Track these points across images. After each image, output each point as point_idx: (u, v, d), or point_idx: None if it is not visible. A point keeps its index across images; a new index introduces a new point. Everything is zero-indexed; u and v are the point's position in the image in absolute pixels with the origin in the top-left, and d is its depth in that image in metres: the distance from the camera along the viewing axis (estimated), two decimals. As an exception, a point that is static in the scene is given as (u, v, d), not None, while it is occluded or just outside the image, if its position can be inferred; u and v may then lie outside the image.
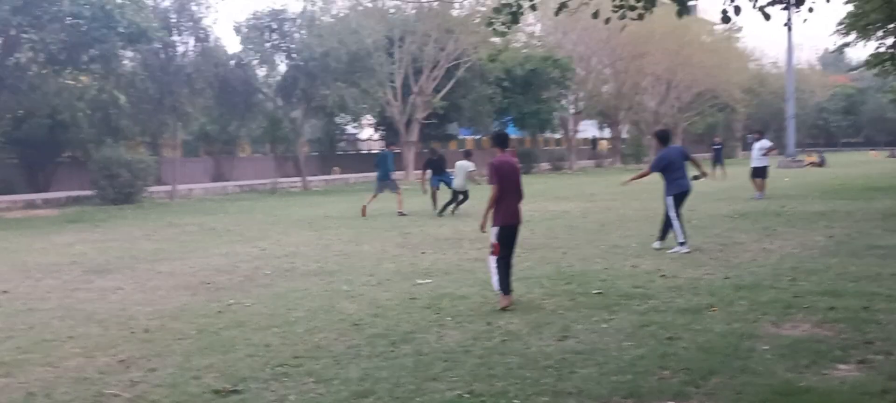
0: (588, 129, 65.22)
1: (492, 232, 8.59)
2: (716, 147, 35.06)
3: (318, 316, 8.26)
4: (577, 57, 51.36)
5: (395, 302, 8.95)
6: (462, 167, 19.45)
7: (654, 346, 6.72)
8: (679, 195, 12.58)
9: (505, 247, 8.61)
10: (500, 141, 8.92)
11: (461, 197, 19.49)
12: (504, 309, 8.28)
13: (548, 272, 10.66)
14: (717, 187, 26.25)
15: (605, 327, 7.45)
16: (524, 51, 47.62)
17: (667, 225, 12.72)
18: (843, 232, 14.15)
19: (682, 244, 12.21)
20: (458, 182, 19.52)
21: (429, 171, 21.07)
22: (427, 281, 10.27)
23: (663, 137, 13.41)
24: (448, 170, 20.95)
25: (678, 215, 12.43)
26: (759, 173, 21.96)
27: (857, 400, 5.30)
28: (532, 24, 50.43)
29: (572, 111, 54.12)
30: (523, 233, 14.98)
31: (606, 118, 59.14)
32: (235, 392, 5.83)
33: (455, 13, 41.01)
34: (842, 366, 6.02)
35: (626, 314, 7.95)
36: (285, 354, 6.82)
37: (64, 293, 10.04)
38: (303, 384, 5.98)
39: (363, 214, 19.79)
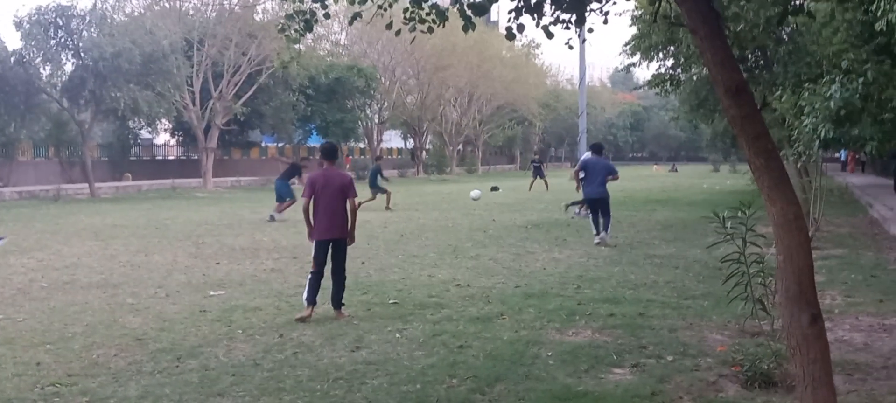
0: (392, 139, 65.90)
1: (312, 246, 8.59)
2: (535, 163, 36.68)
3: (97, 331, 7.80)
4: (383, 67, 51.82)
5: (183, 315, 8.60)
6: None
7: (445, 355, 6.83)
8: None
9: (320, 263, 8.51)
10: (327, 153, 8.96)
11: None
12: (301, 320, 8.15)
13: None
14: (527, 198, 27.29)
15: (398, 337, 7.50)
16: (329, 59, 47.43)
17: None
18: (625, 241, 15.03)
19: None
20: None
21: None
22: (219, 292, 9.96)
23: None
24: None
25: None
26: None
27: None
28: (337, 32, 50.43)
29: (377, 121, 54.49)
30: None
31: (410, 128, 59.98)
32: (-2, 415, 5.39)
33: (257, 18, 40.20)
34: (617, 370, 6.37)
35: (420, 323, 8.04)
36: (58, 372, 6.38)
37: None
38: (76, 404, 5.62)
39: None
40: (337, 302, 8.53)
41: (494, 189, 34.46)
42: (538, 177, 34.80)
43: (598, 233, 14.61)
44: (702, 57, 4.47)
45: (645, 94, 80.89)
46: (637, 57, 22.45)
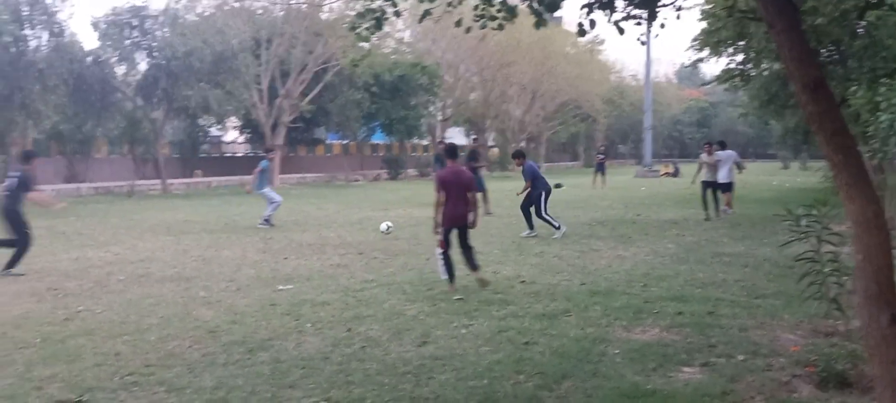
0: (455, 136, 65.97)
1: (440, 232, 9.69)
2: (600, 155, 36.42)
3: (172, 324, 8.00)
4: (446, 64, 51.89)
5: (254, 308, 8.77)
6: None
7: (511, 351, 6.84)
8: None
9: (448, 244, 9.75)
10: (450, 153, 10.20)
11: None
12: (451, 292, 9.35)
13: (410, 278, 10.70)
14: (591, 195, 27.15)
15: (464, 332, 7.53)
16: (393, 57, 47.70)
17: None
18: (692, 239, 14.82)
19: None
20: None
21: None
22: (288, 286, 10.12)
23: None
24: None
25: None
26: (728, 187, 19.93)
27: (699, 402, 5.55)
28: (401, 30, 50.64)
29: (440, 118, 54.61)
30: (386, 240, 15.09)
31: (473, 125, 59.95)
32: (80, 402, 5.57)
33: (324, 16, 40.62)
34: (686, 369, 6.29)
35: (485, 319, 8.06)
36: (136, 363, 6.57)
37: None
38: (154, 393, 5.78)
39: None
40: (473, 266, 9.84)
41: (558, 186, 34.22)
42: (600, 173, 34.50)
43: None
44: (778, 52, 4.40)
45: (712, 90, 79.82)
46: (706, 52, 22.03)
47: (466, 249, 9.88)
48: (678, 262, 11.95)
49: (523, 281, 10.33)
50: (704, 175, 19.37)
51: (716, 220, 18.23)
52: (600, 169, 34.83)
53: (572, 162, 78.96)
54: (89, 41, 44.94)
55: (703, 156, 19.65)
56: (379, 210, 22.28)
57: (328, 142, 52.79)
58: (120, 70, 33.38)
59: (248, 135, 48.51)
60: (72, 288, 10.19)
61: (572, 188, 33.20)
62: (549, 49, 54.96)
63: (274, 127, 39.70)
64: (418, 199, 26.25)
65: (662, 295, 9.24)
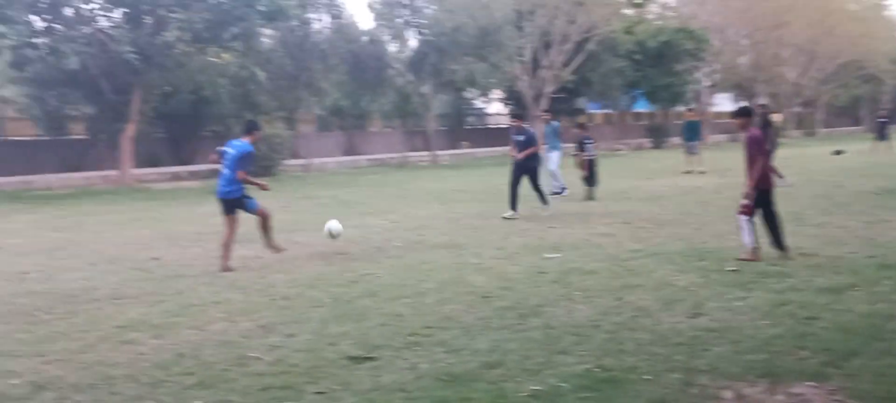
0: (723, 103, 63.16)
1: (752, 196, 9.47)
2: (881, 121, 33.51)
3: (447, 288, 8.40)
4: (713, 28, 49.72)
5: (523, 275, 8.99)
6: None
7: (792, 325, 6.52)
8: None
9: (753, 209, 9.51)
10: (744, 113, 10.01)
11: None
12: (746, 261, 9.14)
13: (679, 248, 10.46)
14: (875, 162, 25.14)
15: (739, 305, 7.27)
16: (657, 22, 46.47)
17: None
18: None
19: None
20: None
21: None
22: (555, 255, 10.26)
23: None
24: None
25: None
26: None
27: None
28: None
29: (707, 84, 52.55)
30: (653, 209, 14.85)
31: (743, 91, 57.08)
32: (369, 359, 6.01)
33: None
34: None
35: (762, 292, 7.72)
36: (416, 324, 6.97)
37: (208, 260, 10.54)
38: (434, 353, 6.11)
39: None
40: (778, 242, 9.61)
41: (838, 152, 31.88)
42: (882, 138, 31.59)
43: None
44: None
45: None
46: None
47: (772, 217, 9.69)
48: (985, 236, 10.75)
49: (803, 254, 9.75)
50: None
51: None
52: (881, 133, 31.90)
53: (853, 126, 72.97)
54: (365, 21, 47.71)
55: None
56: (643, 179, 21.93)
57: (589, 111, 52.52)
58: (392, 47, 35.25)
59: (511, 107, 49.37)
60: (355, 252, 10.97)
61: (856, 154, 30.77)
62: (828, 6, 51.10)
63: (536, 98, 40.12)
64: (684, 168, 25.52)
65: (967, 272, 8.38)
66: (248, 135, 10.21)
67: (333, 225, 11.23)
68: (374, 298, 8.03)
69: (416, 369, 5.74)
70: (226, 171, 10.04)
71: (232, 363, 6.01)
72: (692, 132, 24.95)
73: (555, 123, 19.28)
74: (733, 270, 8.82)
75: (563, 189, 17.90)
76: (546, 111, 21.62)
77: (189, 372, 5.79)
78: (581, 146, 18.10)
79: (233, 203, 10.16)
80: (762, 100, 32.92)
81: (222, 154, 10.16)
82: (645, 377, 5.40)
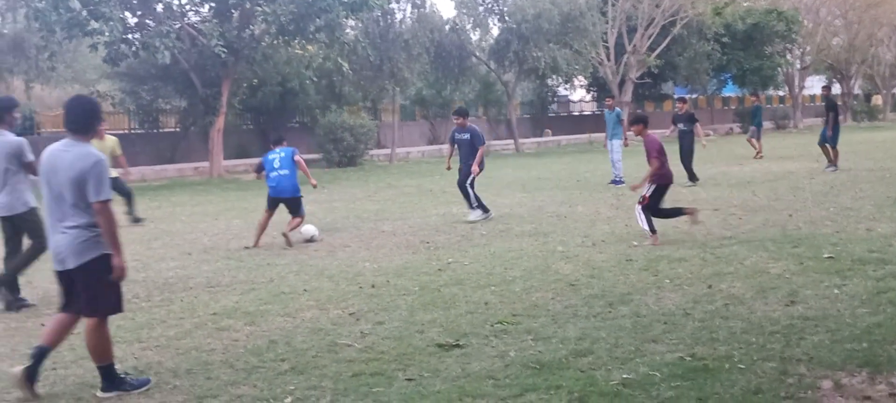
0: (815, 85, 61.19)
1: None
2: None
3: (534, 276, 8.37)
4: (805, 8, 48.23)
5: (610, 263, 8.90)
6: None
7: (893, 313, 6.29)
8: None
9: None
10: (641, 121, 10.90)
11: None
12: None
13: (772, 235, 10.19)
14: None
15: (836, 293, 7.05)
16: (746, 3, 45.27)
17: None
18: None
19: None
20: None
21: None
22: (643, 243, 10.11)
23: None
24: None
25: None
26: None
27: None
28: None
29: (798, 66, 51.00)
30: (745, 195, 14.50)
31: (836, 73, 55.18)
32: (458, 346, 6.04)
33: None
34: None
35: (861, 279, 7.47)
36: (504, 312, 6.97)
37: (297, 249, 10.75)
38: (522, 341, 6.10)
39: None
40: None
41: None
42: None
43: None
44: None
45: None
46: None
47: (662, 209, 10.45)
48: None
49: (903, 240, 9.40)
50: None
51: None
52: None
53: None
54: (447, 10, 47.81)
55: None
56: (733, 165, 21.42)
57: (676, 96, 51.57)
58: (474, 36, 35.24)
59: (595, 94, 48.83)
60: (441, 241, 11.03)
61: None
62: (929, -18, 48.96)
63: (621, 84, 39.58)
64: (776, 153, 24.87)
65: None
66: (276, 144, 11.97)
67: (308, 228, 11.60)
68: (461, 286, 8.06)
69: (504, 356, 5.74)
70: (286, 172, 11.35)
71: (323, 350, 6.11)
72: (755, 117, 24.40)
73: (618, 110, 18.94)
74: (829, 257, 8.54)
75: (621, 180, 17.46)
76: (609, 97, 21.27)
77: (282, 359, 5.92)
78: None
79: (300, 201, 11.51)
80: (825, 83, 31.86)
81: (262, 165, 11.67)
82: (739, 366, 5.28)
